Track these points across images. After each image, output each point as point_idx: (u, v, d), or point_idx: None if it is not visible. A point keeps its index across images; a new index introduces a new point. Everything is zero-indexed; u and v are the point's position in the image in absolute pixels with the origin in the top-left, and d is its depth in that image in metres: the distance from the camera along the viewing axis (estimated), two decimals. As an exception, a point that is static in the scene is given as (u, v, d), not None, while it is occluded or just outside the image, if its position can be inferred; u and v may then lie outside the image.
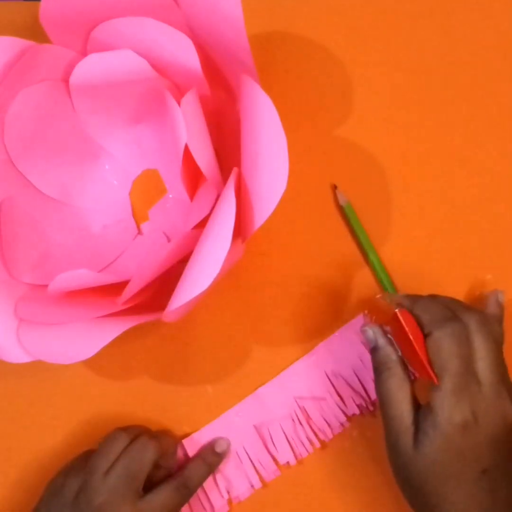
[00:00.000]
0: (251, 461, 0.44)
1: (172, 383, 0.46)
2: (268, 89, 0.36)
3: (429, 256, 0.46)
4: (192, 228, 0.40)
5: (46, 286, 0.39)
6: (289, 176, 0.34)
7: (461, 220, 0.46)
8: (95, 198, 0.49)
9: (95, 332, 0.38)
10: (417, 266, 0.46)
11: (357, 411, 0.44)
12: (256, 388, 0.45)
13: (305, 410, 0.44)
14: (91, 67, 0.43)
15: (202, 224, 0.37)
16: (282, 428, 0.44)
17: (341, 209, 0.47)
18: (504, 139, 0.47)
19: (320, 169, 0.48)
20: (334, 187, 0.47)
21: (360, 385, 0.44)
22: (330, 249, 0.47)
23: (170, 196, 0.48)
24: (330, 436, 0.44)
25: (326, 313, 0.46)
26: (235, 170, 0.37)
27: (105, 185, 0.49)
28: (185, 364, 0.46)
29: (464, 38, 0.48)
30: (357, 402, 0.44)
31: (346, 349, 0.45)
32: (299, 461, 0.44)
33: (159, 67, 0.42)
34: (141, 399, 0.46)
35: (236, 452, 0.44)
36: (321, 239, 0.47)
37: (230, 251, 0.33)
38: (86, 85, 0.44)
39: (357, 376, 0.44)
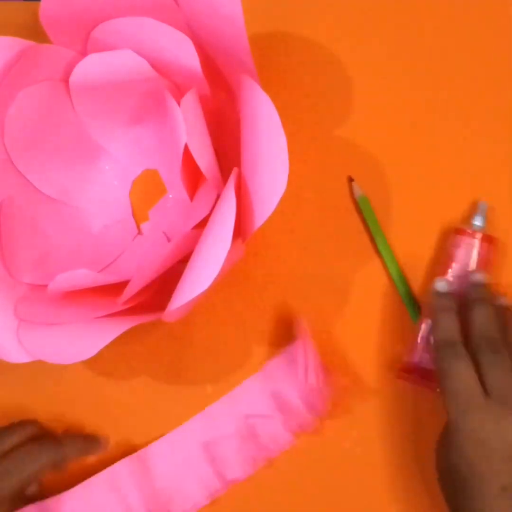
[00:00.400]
0: (196, 478, 0.44)
1: (172, 383, 0.46)
2: (268, 89, 0.36)
3: (425, 257, 0.46)
4: (192, 228, 0.40)
5: (46, 286, 0.39)
6: (289, 176, 0.34)
7: (460, 220, 0.46)
8: (95, 198, 0.49)
9: (95, 332, 0.38)
10: (414, 269, 0.46)
11: (302, 430, 0.43)
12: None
13: (253, 427, 0.44)
14: (91, 67, 0.43)
15: (202, 224, 0.37)
16: (230, 445, 0.44)
17: (354, 202, 0.46)
18: (505, 137, 0.47)
19: (319, 169, 0.48)
20: (351, 180, 0.47)
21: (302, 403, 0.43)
22: (330, 248, 0.47)
23: (170, 196, 0.48)
24: (277, 453, 0.43)
25: (329, 312, 0.46)
26: (235, 170, 0.37)
27: (105, 185, 0.49)
28: (185, 364, 0.46)
29: (465, 38, 0.48)
30: (302, 421, 0.43)
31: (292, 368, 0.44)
32: (247, 478, 0.44)
33: (159, 67, 0.42)
34: (141, 399, 0.46)
35: (181, 469, 0.44)
36: (319, 238, 0.47)
37: (230, 251, 0.33)
38: (86, 85, 0.44)
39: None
